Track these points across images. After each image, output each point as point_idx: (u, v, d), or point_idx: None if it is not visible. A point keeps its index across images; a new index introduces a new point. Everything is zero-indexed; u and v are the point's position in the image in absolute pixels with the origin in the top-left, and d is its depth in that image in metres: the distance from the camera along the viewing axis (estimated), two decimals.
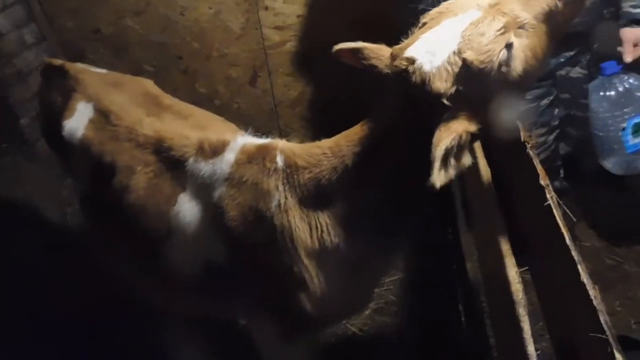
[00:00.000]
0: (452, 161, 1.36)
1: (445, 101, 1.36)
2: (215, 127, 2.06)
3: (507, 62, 1.36)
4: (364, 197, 1.60)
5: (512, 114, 1.51)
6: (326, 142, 1.66)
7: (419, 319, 2.90)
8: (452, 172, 1.36)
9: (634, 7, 2.41)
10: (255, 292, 1.86)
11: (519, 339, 1.43)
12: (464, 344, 2.72)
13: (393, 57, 1.48)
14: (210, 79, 3.68)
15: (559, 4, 1.40)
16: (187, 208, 1.83)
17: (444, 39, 1.39)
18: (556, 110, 2.65)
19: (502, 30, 1.35)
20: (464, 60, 1.34)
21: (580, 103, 2.60)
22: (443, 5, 1.49)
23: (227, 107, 3.69)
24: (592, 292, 1.14)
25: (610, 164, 2.51)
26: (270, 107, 3.74)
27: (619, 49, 2.43)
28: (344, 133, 1.63)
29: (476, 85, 1.37)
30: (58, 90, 2.29)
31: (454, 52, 1.36)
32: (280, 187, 1.67)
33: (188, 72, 3.67)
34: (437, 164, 1.31)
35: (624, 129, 2.42)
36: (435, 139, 1.33)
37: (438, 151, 1.31)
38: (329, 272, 1.72)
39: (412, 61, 1.40)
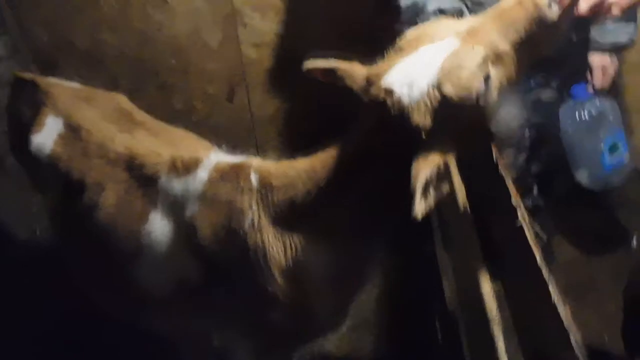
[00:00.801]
0: (432, 191, 1.35)
1: (423, 135, 1.35)
2: (188, 144, 2.03)
3: (484, 94, 1.36)
4: (338, 219, 1.59)
5: (486, 139, 1.53)
6: (301, 164, 1.64)
7: (395, 336, 2.91)
8: (432, 201, 1.35)
9: (602, 35, 2.47)
10: (229, 311, 1.83)
11: (493, 357, 1.43)
12: None
13: (369, 82, 1.46)
14: (187, 95, 3.66)
15: (536, 32, 1.40)
16: (159, 226, 1.80)
17: (422, 70, 1.36)
18: (527, 131, 2.65)
19: (481, 63, 1.34)
20: (443, 96, 1.33)
21: (552, 125, 2.62)
22: (420, 27, 1.49)
23: (204, 123, 3.66)
24: (563, 312, 1.15)
25: (586, 181, 2.55)
26: (248, 123, 3.72)
27: (588, 75, 2.48)
28: (319, 155, 1.61)
29: (454, 117, 1.36)
30: (27, 104, 2.25)
31: (433, 86, 1.34)
32: (254, 206, 1.65)
33: (165, 88, 3.63)
34: (417, 195, 1.30)
35: (601, 149, 2.47)
36: (414, 171, 1.33)
37: (419, 184, 1.30)
38: (303, 291, 1.70)
39: (389, 93, 1.38)
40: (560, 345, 1.11)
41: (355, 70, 1.53)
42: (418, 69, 1.37)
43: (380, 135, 1.44)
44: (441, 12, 2.37)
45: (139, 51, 3.52)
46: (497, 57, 1.38)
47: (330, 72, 1.57)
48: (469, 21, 1.45)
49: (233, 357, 1.99)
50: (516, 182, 1.72)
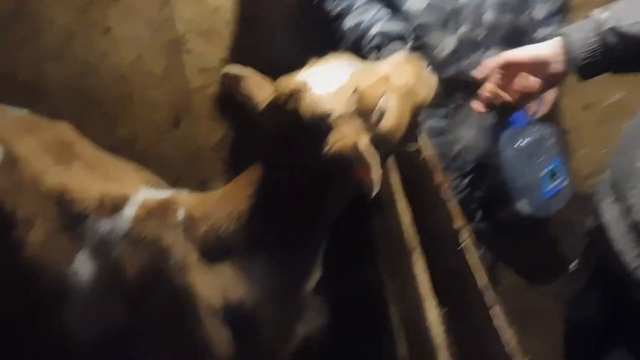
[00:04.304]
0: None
1: (333, 121, 1.45)
2: (126, 177, 1.98)
3: (384, 111, 1.50)
4: (265, 239, 1.58)
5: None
6: (219, 191, 1.65)
7: None
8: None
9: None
10: (158, 355, 1.77)
11: None
12: None
13: (277, 88, 1.56)
14: (131, 123, 3.59)
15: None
16: (85, 267, 1.74)
17: (334, 71, 1.52)
18: (469, 155, 2.70)
19: (383, 80, 1.51)
20: (355, 89, 1.46)
21: (491, 151, 2.64)
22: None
23: (149, 152, 3.59)
24: (507, 336, 1.16)
25: (527, 208, 2.58)
26: (193, 151, 3.69)
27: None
28: (235, 179, 1.64)
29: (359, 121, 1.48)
30: None
31: (346, 84, 1.47)
32: (179, 243, 1.61)
33: (109, 117, 3.56)
34: (368, 160, 1.36)
35: (541, 177, 2.51)
36: (337, 148, 1.41)
37: (361, 148, 1.37)
38: (236, 330, 1.66)
39: (303, 84, 1.47)
40: None
41: (265, 83, 1.65)
42: (329, 71, 1.52)
43: (289, 139, 1.52)
44: (384, 35, 2.40)
45: (83, 80, 3.44)
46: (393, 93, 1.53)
47: (241, 80, 1.65)
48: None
49: None
50: (460, 205, 1.75)
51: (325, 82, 1.49)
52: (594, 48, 1.66)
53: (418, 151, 1.75)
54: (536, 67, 1.81)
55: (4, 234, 1.89)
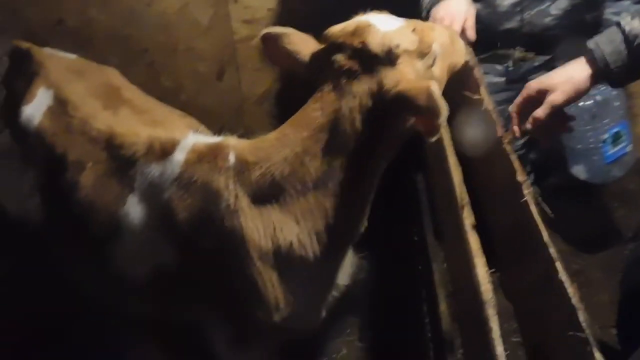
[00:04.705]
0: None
1: (398, 51, 1.44)
2: (172, 123, 2.00)
3: (436, 56, 1.53)
4: (318, 182, 1.56)
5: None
6: (273, 134, 1.61)
7: (382, 319, 2.89)
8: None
9: (616, 14, 2.37)
10: (207, 297, 1.79)
11: (487, 340, 1.40)
12: (426, 344, 2.71)
13: (326, 36, 1.55)
14: (176, 73, 3.58)
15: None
16: (136, 210, 1.76)
17: (389, 19, 1.53)
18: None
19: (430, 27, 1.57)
20: (414, 29, 1.50)
21: None
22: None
23: (192, 102, 3.58)
24: (570, 289, 1.10)
25: (585, 174, 2.47)
26: (237, 103, 3.66)
27: None
28: (288, 121, 1.60)
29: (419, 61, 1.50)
30: (22, 74, 2.21)
31: (405, 24, 1.51)
32: (231, 186, 1.60)
33: (154, 66, 3.55)
34: (443, 103, 1.31)
35: (604, 140, 2.39)
36: (413, 93, 1.36)
37: (434, 95, 1.32)
38: (283, 274, 1.67)
39: (367, 23, 1.47)
40: (566, 325, 1.06)
41: (307, 37, 1.65)
42: (383, 17, 1.54)
43: (346, 80, 1.48)
44: None
45: (128, 28, 3.44)
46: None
47: (284, 37, 1.64)
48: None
49: (211, 343, 1.93)
50: None
51: (386, 23, 1.49)
52: (624, 59, 1.64)
53: (480, 101, 1.68)
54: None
55: (57, 176, 1.94)
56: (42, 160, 2.05)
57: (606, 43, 1.67)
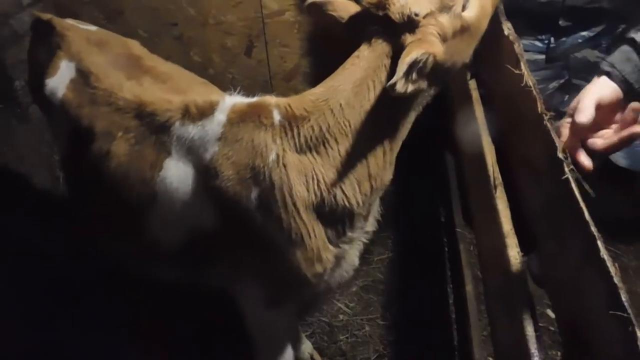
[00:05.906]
0: (414, 76, 1.48)
1: (419, 18, 1.53)
2: (196, 91, 1.99)
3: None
4: (356, 134, 1.64)
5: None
6: (317, 89, 1.67)
7: (405, 298, 2.89)
8: (410, 87, 1.47)
9: None
10: (246, 256, 1.82)
11: (518, 321, 1.41)
12: (450, 324, 2.72)
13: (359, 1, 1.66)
14: (204, 47, 3.58)
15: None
16: (174, 173, 1.78)
17: None
18: (566, 96, 2.42)
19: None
20: None
21: None
22: None
23: (221, 76, 3.61)
24: (613, 269, 1.08)
25: (625, 160, 2.41)
26: (265, 78, 3.65)
27: None
28: (331, 76, 1.68)
29: (445, 15, 1.57)
30: (44, 47, 2.20)
31: None
32: (278, 141, 1.65)
33: (182, 39, 3.57)
34: (403, 67, 1.43)
35: None
36: (405, 51, 1.48)
37: (408, 59, 1.44)
38: (325, 226, 1.73)
39: None
40: (606, 305, 1.04)
41: (348, 3, 1.72)
42: None
43: (380, 38, 1.60)
44: None
45: (157, 1, 3.45)
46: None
47: (325, 4, 1.71)
48: None
49: (243, 304, 1.99)
50: None
51: None
52: None
53: (521, 77, 1.65)
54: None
55: (85, 147, 1.94)
56: (66, 132, 2.06)
57: (623, 62, 1.61)
